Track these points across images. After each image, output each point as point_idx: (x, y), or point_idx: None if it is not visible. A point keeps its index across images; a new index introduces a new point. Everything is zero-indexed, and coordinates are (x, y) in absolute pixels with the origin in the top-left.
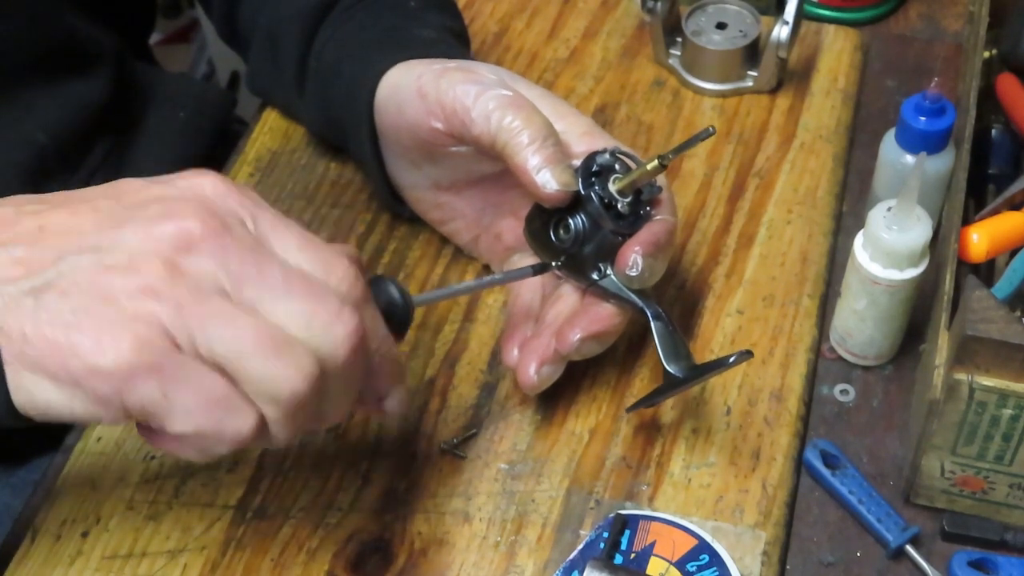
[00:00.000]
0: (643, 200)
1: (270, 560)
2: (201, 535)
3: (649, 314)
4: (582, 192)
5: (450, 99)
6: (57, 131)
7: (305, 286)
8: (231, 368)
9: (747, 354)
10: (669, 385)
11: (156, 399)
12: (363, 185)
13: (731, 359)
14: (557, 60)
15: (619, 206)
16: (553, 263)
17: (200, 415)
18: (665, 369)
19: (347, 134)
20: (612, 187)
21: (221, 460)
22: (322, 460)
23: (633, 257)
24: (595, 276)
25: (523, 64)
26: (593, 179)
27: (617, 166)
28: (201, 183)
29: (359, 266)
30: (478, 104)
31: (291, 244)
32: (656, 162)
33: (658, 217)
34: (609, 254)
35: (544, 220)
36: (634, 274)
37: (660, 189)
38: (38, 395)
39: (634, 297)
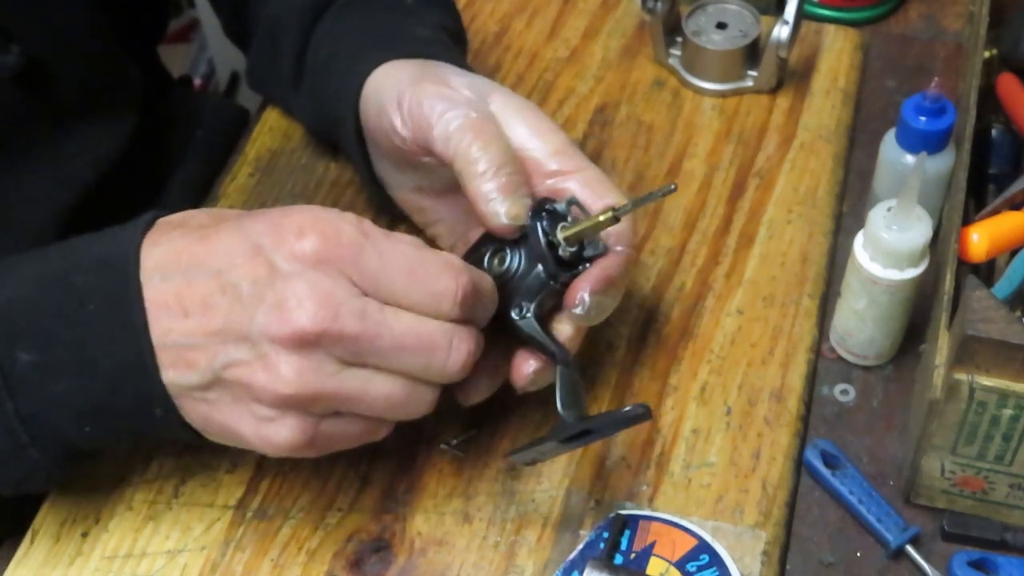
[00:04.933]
0: (585, 256)
1: (270, 560)
2: (201, 535)
3: (557, 359)
4: (527, 224)
5: (416, 114)
6: (105, 167)
7: (414, 341)
8: (372, 413)
9: (643, 409)
10: (556, 431)
11: (325, 447)
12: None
13: (626, 409)
14: (557, 60)
15: (560, 251)
16: None
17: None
18: (559, 415)
19: (337, 131)
20: (560, 233)
21: (221, 460)
22: (322, 460)
23: (580, 295)
24: (514, 315)
25: (523, 64)
26: (544, 214)
27: (570, 218)
28: (303, 248)
29: (462, 275)
30: (440, 124)
31: (397, 288)
32: (610, 214)
33: (618, 248)
34: (535, 295)
35: (484, 248)
36: (580, 312)
37: (605, 249)
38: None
39: (548, 341)
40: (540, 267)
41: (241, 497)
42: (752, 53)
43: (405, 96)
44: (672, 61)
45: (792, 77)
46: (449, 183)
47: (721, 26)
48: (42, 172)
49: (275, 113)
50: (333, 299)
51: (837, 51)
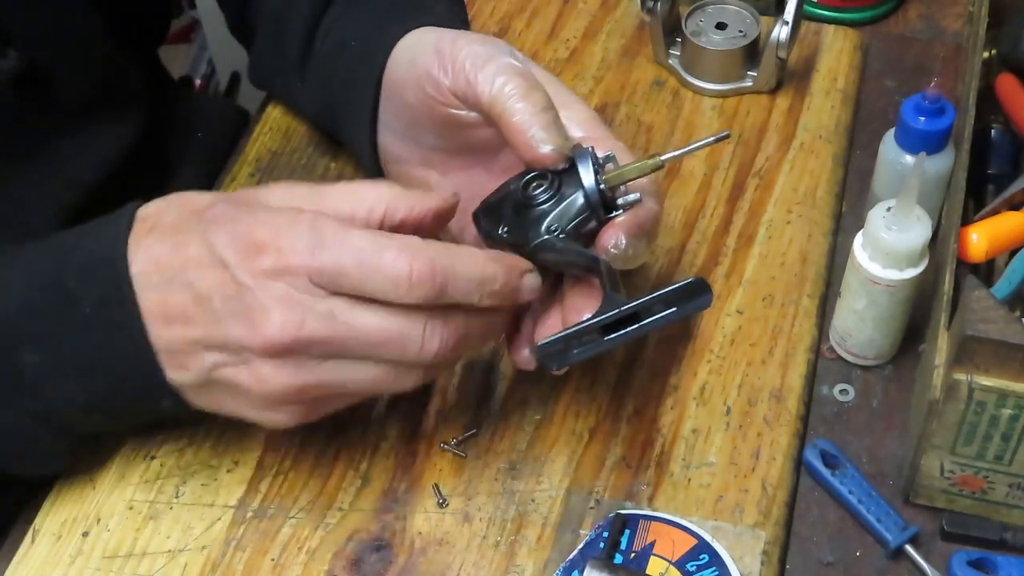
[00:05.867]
0: (616, 204)
1: (270, 560)
2: (201, 535)
3: (599, 259)
4: (575, 155)
5: (461, 56)
6: (107, 169)
7: (383, 336)
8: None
9: (698, 281)
10: (600, 311)
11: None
12: None
13: (679, 284)
14: (557, 60)
15: (602, 187)
16: (501, 230)
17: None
18: (608, 294)
19: (344, 112)
20: (600, 176)
21: (222, 460)
22: (322, 460)
23: (617, 234)
24: (546, 235)
25: None
26: (591, 149)
27: (609, 166)
28: (263, 265)
29: (417, 256)
30: (487, 67)
31: (353, 281)
32: (657, 159)
33: (648, 204)
34: (568, 221)
35: (522, 176)
36: (616, 252)
37: (638, 200)
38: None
39: (584, 250)
40: (580, 195)
41: (241, 497)
42: (752, 53)
43: (447, 46)
44: (672, 61)
45: (792, 77)
46: (459, 151)
47: (721, 26)
48: (45, 174)
49: (275, 113)
50: (298, 307)
51: (837, 51)
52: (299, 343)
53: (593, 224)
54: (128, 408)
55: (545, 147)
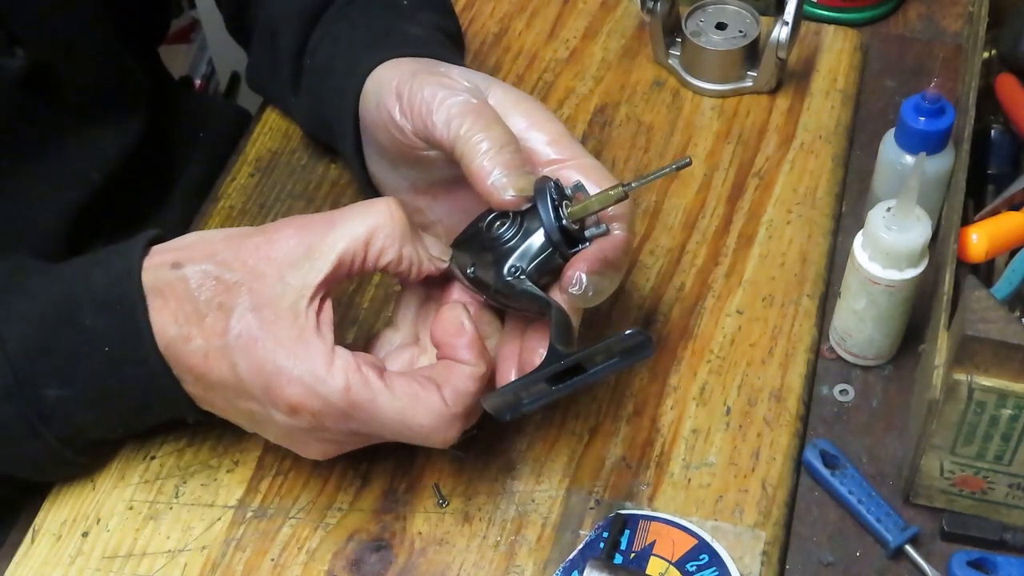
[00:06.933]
0: (586, 236)
1: (270, 560)
2: (201, 535)
3: (552, 306)
4: (534, 195)
5: (417, 101)
6: (111, 168)
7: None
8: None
9: (642, 337)
10: (545, 364)
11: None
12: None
13: (625, 333)
14: (557, 60)
15: (564, 222)
16: (468, 269)
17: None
18: (551, 345)
19: (335, 133)
20: (563, 210)
21: (221, 460)
22: (322, 460)
23: (576, 275)
24: (508, 276)
25: (523, 64)
26: (553, 184)
27: (580, 195)
28: (299, 424)
29: (452, 426)
30: (441, 109)
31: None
32: (619, 189)
33: (615, 230)
34: (531, 260)
35: (485, 216)
36: (577, 292)
37: (607, 230)
38: None
39: (542, 294)
40: (542, 233)
41: (241, 497)
42: (752, 54)
43: (405, 87)
44: (672, 61)
45: (792, 78)
46: (444, 180)
47: (720, 26)
48: (50, 172)
49: (275, 114)
50: (336, 445)
51: (836, 52)
52: (336, 453)
53: (559, 260)
54: (152, 422)
55: (506, 194)
